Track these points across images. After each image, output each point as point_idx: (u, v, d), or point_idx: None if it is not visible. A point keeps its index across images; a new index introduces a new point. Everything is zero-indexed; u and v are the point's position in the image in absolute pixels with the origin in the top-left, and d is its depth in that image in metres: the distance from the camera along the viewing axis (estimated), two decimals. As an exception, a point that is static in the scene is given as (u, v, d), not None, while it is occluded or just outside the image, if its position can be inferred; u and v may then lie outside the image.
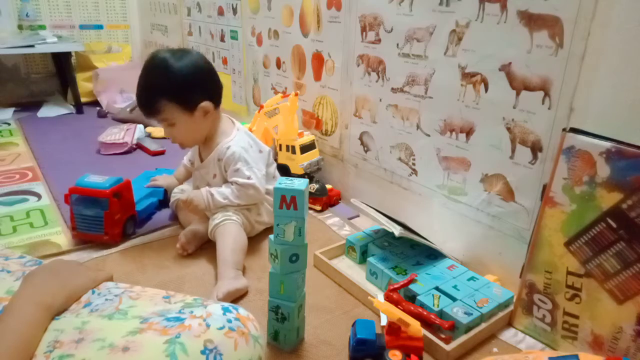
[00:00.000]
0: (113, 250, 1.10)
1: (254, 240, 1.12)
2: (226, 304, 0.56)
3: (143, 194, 1.25)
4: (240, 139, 1.12)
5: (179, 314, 0.54)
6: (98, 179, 1.09)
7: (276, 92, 1.65)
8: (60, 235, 1.16)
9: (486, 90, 0.93)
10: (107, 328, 0.53)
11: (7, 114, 2.28)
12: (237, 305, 0.57)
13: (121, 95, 2.47)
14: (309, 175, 1.40)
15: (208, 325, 0.51)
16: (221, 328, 0.51)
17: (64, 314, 0.57)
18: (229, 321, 0.52)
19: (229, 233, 1.03)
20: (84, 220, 1.09)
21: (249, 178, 1.07)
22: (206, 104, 1.04)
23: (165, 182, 1.31)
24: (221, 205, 1.07)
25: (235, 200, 1.08)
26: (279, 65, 1.62)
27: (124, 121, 2.12)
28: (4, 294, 0.60)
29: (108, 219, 1.07)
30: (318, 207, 1.33)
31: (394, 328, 0.77)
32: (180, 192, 1.24)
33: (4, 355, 0.49)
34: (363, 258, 1.07)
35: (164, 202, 1.31)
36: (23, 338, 0.51)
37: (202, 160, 1.15)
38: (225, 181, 1.12)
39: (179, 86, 0.99)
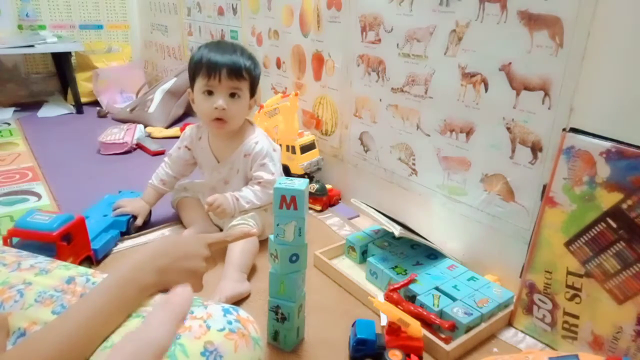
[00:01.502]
0: (113, 249, 1.10)
1: (254, 241, 1.12)
2: (227, 305, 0.56)
3: (102, 226, 1.09)
4: (263, 137, 1.15)
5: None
6: (43, 218, 0.93)
7: (276, 92, 1.65)
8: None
9: (486, 90, 0.93)
10: None
11: (7, 114, 2.28)
12: (238, 307, 0.57)
13: (121, 95, 2.47)
14: (309, 175, 1.40)
15: (208, 327, 0.51)
16: (221, 330, 0.51)
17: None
18: (229, 323, 0.52)
19: None
20: None
21: (273, 174, 1.11)
22: (255, 99, 1.15)
23: (133, 207, 1.17)
24: (244, 209, 1.09)
25: (258, 203, 1.10)
26: (279, 65, 1.62)
27: (124, 121, 2.12)
28: None
29: None
30: (318, 207, 1.33)
31: (394, 328, 0.77)
32: (184, 190, 1.24)
33: (74, 323, 0.49)
34: (363, 258, 1.07)
35: (127, 233, 1.14)
36: (102, 312, 0.51)
37: (218, 161, 1.16)
38: (246, 178, 1.14)
39: (257, 75, 1.13)
